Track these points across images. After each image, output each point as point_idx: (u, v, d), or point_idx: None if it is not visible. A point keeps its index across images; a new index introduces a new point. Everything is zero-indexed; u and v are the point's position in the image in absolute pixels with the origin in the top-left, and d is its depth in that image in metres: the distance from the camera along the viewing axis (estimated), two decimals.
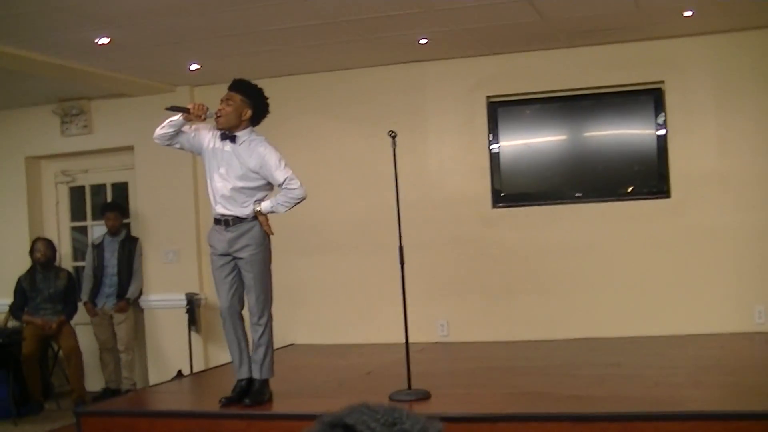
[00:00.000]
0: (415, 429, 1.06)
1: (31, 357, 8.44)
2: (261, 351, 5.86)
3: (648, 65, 8.12)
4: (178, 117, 5.78)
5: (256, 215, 5.81)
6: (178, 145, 5.96)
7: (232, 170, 5.77)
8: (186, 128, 5.89)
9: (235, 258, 5.85)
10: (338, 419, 1.06)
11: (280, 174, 5.76)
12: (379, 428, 1.04)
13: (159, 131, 5.84)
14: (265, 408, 5.80)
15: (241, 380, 5.95)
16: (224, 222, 5.83)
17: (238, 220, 5.80)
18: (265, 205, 5.83)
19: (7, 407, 8.07)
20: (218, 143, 5.83)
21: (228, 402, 5.86)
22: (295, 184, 5.77)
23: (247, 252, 5.80)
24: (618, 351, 7.40)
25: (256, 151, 5.77)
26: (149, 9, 6.39)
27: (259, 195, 5.86)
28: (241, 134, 5.81)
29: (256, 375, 5.89)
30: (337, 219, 8.75)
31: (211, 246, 5.96)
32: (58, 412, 8.32)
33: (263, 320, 5.85)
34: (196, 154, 6.17)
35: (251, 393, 5.85)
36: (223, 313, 5.91)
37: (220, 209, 5.83)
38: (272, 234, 5.90)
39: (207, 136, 5.87)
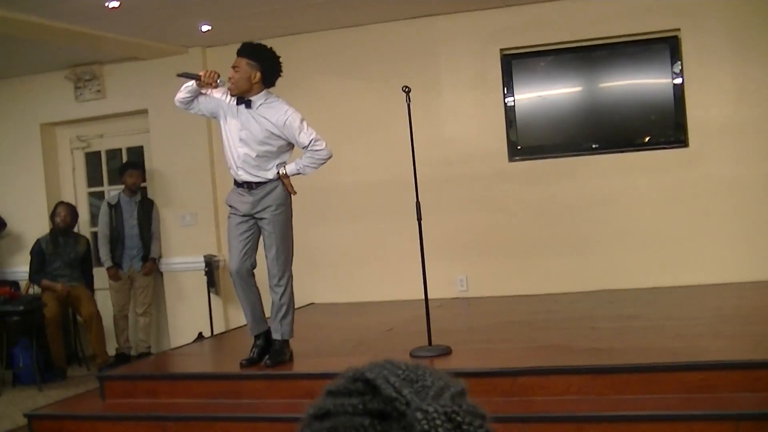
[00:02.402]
0: (436, 386, 1.06)
1: (54, 322, 8.50)
2: (282, 312, 5.86)
3: (663, 13, 8.02)
4: (191, 83, 5.77)
5: (281, 178, 5.79)
6: (194, 110, 5.95)
7: (253, 135, 5.73)
8: (203, 93, 5.86)
9: (256, 218, 5.84)
10: (359, 374, 1.07)
11: (304, 136, 5.72)
12: (399, 383, 1.04)
13: (177, 96, 5.86)
14: (285, 368, 5.83)
15: (257, 338, 5.97)
16: (247, 186, 5.81)
17: (261, 183, 5.79)
18: (290, 168, 5.81)
19: (32, 373, 8.16)
20: (236, 108, 5.80)
21: (248, 363, 5.89)
22: (321, 144, 5.74)
23: (270, 212, 5.79)
24: (637, 303, 7.39)
25: (275, 113, 5.72)
26: None
27: (283, 157, 5.84)
28: (256, 98, 5.76)
29: (276, 336, 5.91)
30: (353, 178, 8.72)
31: (231, 207, 5.93)
32: (81, 377, 8.40)
33: (283, 281, 5.84)
34: (214, 118, 6.12)
35: (271, 353, 5.87)
36: (233, 271, 5.90)
37: (243, 175, 5.80)
38: (295, 194, 5.88)
39: (224, 101, 5.83)
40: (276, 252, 5.81)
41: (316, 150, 5.74)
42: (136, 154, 9.78)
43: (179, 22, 8.03)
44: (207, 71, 5.77)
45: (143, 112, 9.34)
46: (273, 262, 5.83)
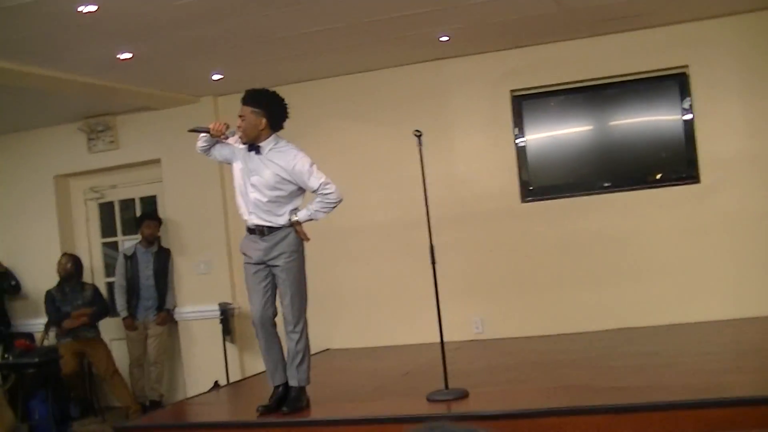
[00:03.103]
0: None
1: (73, 374, 8.52)
2: (298, 358, 5.83)
3: (671, 50, 8.05)
4: (205, 134, 5.83)
5: (293, 225, 5.78)
6: (212, 157, 6.04)
7: (264, 180, 5.73)
8: (219, 141, 5.91)
9: (270, 266, 5.83)
10: None
11: (314, 180, 5.71)
12: None
13: (197, 144, 5.96)
14: (303, 415, 5.78)
15: (277, 387, 5.94)
16: (259, 231, 5.80)
17: (273, 229, 5.78)
18: (302, 215, 5.79)
19: (48, 426, 8.12)
20: (247, 154, 5.82)
21: (266, 410, 5.85)
22: (331, 188, 5.74)
23: (283, 259, 5.77)
24: (655, 340, 7.34)
25: (285, 157, 5.73)
26: (169, 22, 6.41)
27: (294, 203, 5.83)
28: (265, 143, 5.76)
29: (293, 383, 5.87)
30: (366, 222, 8.73)
31: (245, 255, 5.92)
32: (97, 429, 8.37)
33: (299, 327, 5.81)
34: (229, 164, 6.15)
35: (288, 400, 5.83)
36: (255, 321, 5.87)
37: (255, 220, 5.79)
38: (308, 240, 5.88)
39: (237, 148, 5.87)
40: (291, 299, 5.79)
41: (327, 194, 5.74)
42: (150, 204, 9.82)
43: (191, 71, 8.09)
44: (215, 123, 5.83)
45: (156, 161, 9.39)
46: (288, 309, 5.81)
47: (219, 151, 5.96)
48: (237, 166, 5.87)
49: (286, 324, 5.83)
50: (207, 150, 5.95)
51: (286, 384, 5.93)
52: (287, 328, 5.83)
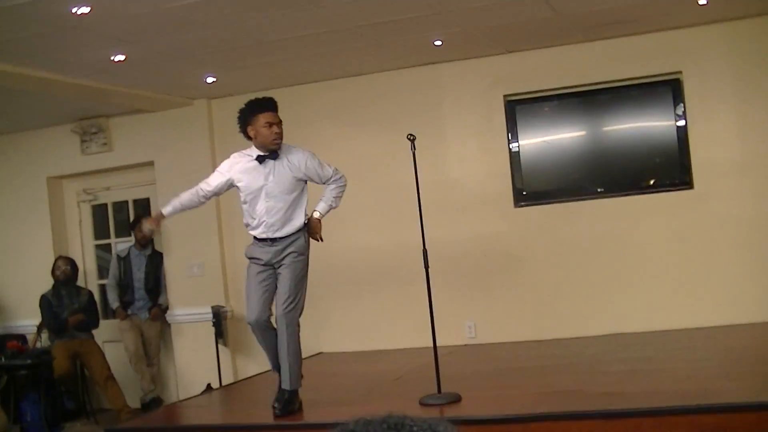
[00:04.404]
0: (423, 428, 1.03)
1: (66, 374, 8.51)
2: (288, 361, 5.84)
3: (665, 56, 8.06)
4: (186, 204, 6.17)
5: (313, 221, 5.92)
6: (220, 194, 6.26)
7: (282, 185, 5.83)
8: (217, 182, 6.03)
9: (275, 267, 5.88)
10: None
11: (327, 168, 5.97)
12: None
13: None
14: (295, 418, 5.79)
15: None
16: (270, 240, 5.87)
17: (286, 237, 5.87)
18: (322, 208, 5.98)
19: (40, 428, 8.11)
20: (257, 167, 5.86)
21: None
22: (341, 172, 6.04)
23: (290, 258, 5.84)
24: (647, 345, 7.35)
25: (295, 155, 5.90)
26: (163, 24, 6.41)
27: (303, 201, 5.94)
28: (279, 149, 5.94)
29: (285, 385, 5.88)
30: (359, 225, 8.72)
31: (252, 258, 5.96)
32: (89, 430, 8.36)
33: (290, 329, 5.82)
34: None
35: (283, 403, 5.83)
36: (252, 322, 5.87)
37: (268, 233, 5.86)
38: (322, 241, 5.97)
39: (235, 170, 5.95)
40: (287, 295, 5.80)
41: (340, 177, 6.01)
42: (143, 207, 9.81)
43: (184, 74, 8.09)
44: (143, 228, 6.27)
45: (149, 164, 9.38)
46: (282, 308, 5.82)
47: (219, 191, 6.10)
48: (243, 185, 5.93)
49: (279, 324, 5.83)
50: (209, 199, 6.18)
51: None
52: (279, 328, 5.83)
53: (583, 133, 8.44)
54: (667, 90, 8.13)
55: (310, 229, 5.92)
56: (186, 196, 6.10)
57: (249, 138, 5.91)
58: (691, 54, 8.01)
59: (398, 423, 0.99)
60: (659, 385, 5.74)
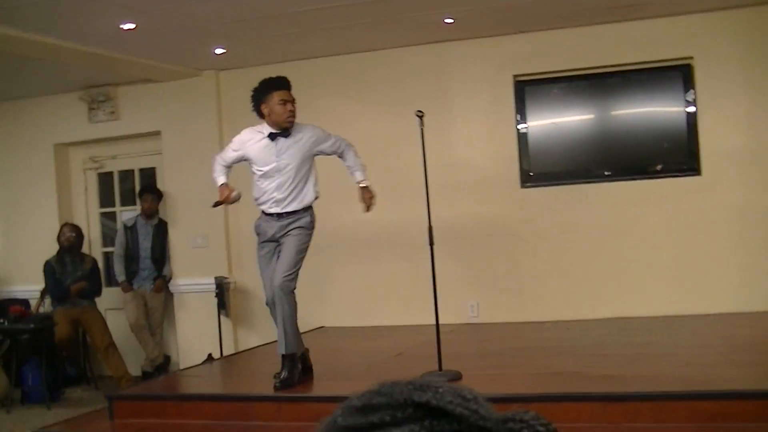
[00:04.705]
0: (477, 398, 1.01)
1: (67, 340, 8.54)
2: (282, 324, 5.88)
3: (676, 41, 8.02)
4: (222, 173, 6.20)
5: (364, 191, 6.20)
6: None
7: (294, 160, 5.94)
8: (231, 157, 6.16)
9: (279, 241, 5.96)
10: (408, 398, 0.98)
11: (333, 138, 6.19)
12: (460, 401, 0.98)
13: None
14: (295, 391, 5.80)
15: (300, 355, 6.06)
16: (277, 215, 5.98)
17: (295, 211, 5.97)
18: (361, 175, 6.24)
19: (41, 392, 8.15)
20: (269, 144, 5.94)
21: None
22: (342, 138, 6.26)
23: (294, 233, 5.95)
24: (649, 330, 7.35)
25: (304, 130, 6.05)
26: None
27: (313, 177, 6.07)
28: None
29: (280, 350, 5.91)
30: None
31: (259, 234, 6.06)
32: (90, 396, 8.40)
33: (288, 297, 5.88)
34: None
35: (280, 379, 5.85)
36: (269, 301, 5.99)
37: (280, 209, 5.96)
38: (373, 206, 6.28)
39: (249, 147, 6.06)
40: (285, 262, 5.88)
41: (348, 144, 6.23)
42: (149, 176, 9.81)
43: (194, 45, 8.07)
44: (222, 195, 6.10)
45: (156, 133, 9.37)
46: (279, 276, 5.85)
47: (232, 164, 6.23)
48: (256, 161, 6.05)
49: (276, 291, 5.86)
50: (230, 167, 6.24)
51: (304, 355, 6.08)
52: (276, 293, 5.86)
53: (591, 116, 8.41)
54: (678, 75, 8.09)
55: (364, 199, 6.15)
56: (219, 168, 6.21)
57: (261, 116, 5.98)
58: (702, 40, 7.96)
59: (423, 384, 0.98)
60: (660, 370, 5.74)
